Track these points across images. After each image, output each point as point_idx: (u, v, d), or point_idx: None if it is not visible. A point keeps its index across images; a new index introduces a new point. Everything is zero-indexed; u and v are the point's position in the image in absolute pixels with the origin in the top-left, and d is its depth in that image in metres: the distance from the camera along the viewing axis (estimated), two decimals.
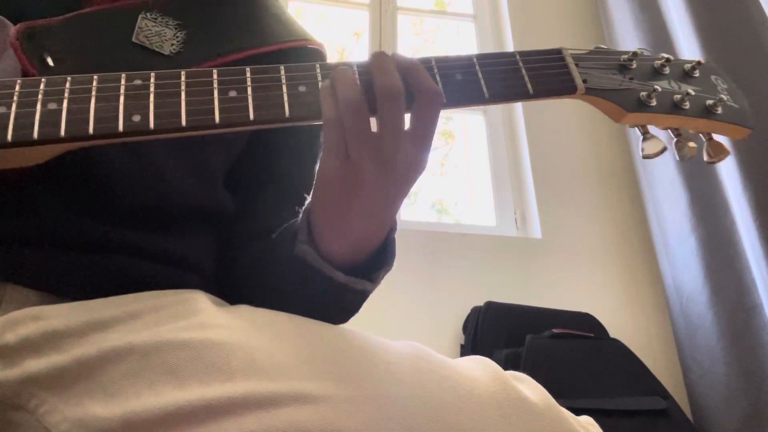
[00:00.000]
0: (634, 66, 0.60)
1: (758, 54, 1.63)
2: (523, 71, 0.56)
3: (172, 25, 0.61)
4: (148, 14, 0.61)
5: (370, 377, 0.42)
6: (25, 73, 0.52)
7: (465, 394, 0.43)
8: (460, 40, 2.50)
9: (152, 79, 0.50)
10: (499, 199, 2.05)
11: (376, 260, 0.57)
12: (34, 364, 0.43)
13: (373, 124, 0.51)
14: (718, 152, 0.58)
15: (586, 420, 0.50)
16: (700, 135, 0.61)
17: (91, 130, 0.46)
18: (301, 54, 0.71)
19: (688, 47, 1.75)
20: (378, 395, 0.41)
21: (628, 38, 2.02)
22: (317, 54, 0.74)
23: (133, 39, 0.59)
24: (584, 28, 2.32)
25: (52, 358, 0.43)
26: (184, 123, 0.48)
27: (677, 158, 0.59)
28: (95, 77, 0.49)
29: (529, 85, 0.56)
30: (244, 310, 0.50)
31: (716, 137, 0.60)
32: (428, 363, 0.45)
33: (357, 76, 0.52)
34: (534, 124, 2.09)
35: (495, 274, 1.82)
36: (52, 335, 0.44)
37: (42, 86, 0.48)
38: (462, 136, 2.33)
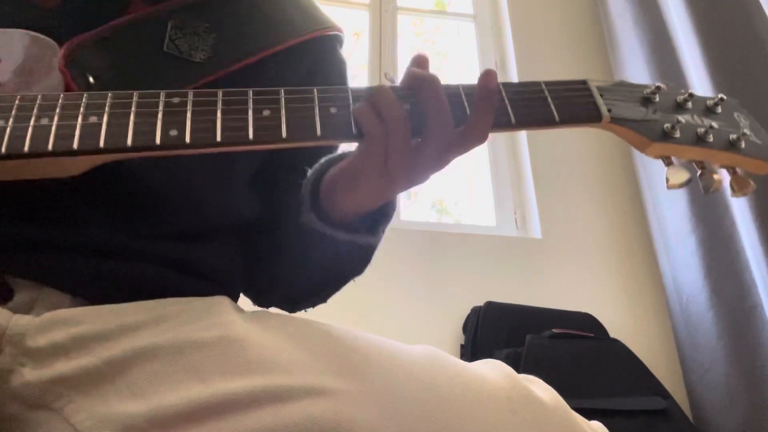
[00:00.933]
0: (657, 99, 0.61)
1: (758, 54, 1.63)
2: (549, 99, 0.57)
3: (200, 30, 0.63)
4: (177, 20, 0.62)
5: (383, 372, 0.44)
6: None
7: (476, 389, 0.44)
8: (460, 40, 2.50)
9: (190, 97, 0.51)
10: (499, 199, 2.05)
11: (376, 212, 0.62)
12: (62, 366, 0.44)
13: None
14: (743, 186, 0.59)
15: (598, 425, 0.51)
16: (724, 169, 0.61)
17: (129, 142, 0.48)
18: (324, 43, 0.74)
19: (688, 47, 1.75)
20: (391, 389, 0.42)
21: (628, 38, 2.02)
22: (337, 40, 0.77)
23: (165, 48, 0.60)
24: (584, 29, 2.32)
25: (81, 360, 0.44)
26: (219, 138, 0.50)
27: (702, 191, 0.59)
28: (135, 94, 0.51)
29: (555, 113, 0.57)
30: (263, 315, 0.52)
31: (740, 171, 0.60)
32: (441, 362, 0.47)
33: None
34: None
35: (495, 274, 1.82)
36: (81, 339, 0.45)
37: (84, 100, 0.50)
38: None
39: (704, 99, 0.62)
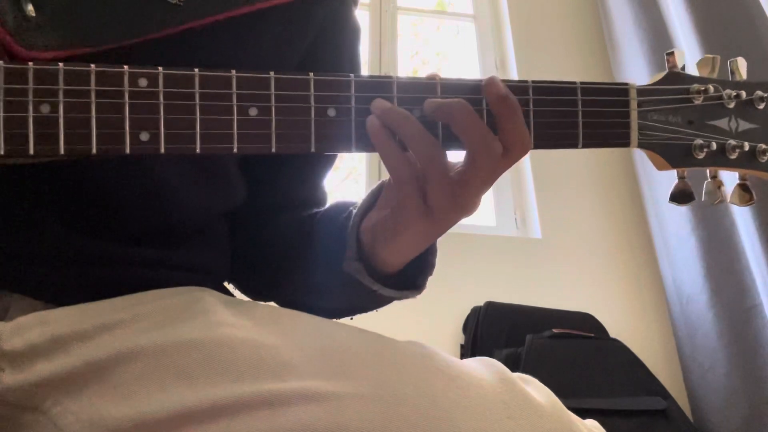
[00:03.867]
0: (700, 101, 0.56)
1: (758, 54, 1.63)
2: (580, 116, 0.51)
3: None
4: None
5: (377, 375, 0.42)
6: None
7: (472, 394, 0.43)
8: (460, 41, 2.50)
9: (161, 82, 0.43)
10: (499, 199, 2.05)
11: (416, 263, 0.57)
12: (43, 368, 0.43)
13: None
14: (744, 200, 0.57)
15: (592, 423, 0.50)
16: (736, 174, 0.59)
17: (93, 149, 0.41)
18: (336, 2, 0.64)
19: (688, 47, 1.75)
20: (385, 394, 0.41)
21: (628, 38, 2.02)
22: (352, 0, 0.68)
23: None
24: (584, 29, 2.31)
25: (62, 361, 0.43)
26: (198, 150, 0.43)
27: (704, 202, 0.58)
28: (93, 72, 0.42)
29: (580, 137, 0.51)
30: (251, 307, 0.50)
31: (749, 179, 0.59)
32: (436, 362, 0.45)
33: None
34: None
35: (495, 274, 1.82)
36: (60, 339, 0.44)
37: (31, 78, 0.40)
38: None
39: (750, 95, 0.57)
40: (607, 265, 1.90)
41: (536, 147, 0.51)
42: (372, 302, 0.58)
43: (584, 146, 0.52)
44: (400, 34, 2.31)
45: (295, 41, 0.60)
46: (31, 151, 0.40)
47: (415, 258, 0.56)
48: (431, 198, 0.48)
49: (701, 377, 1.63)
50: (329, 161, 0.70)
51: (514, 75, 2.18)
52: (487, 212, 2.05)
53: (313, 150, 0.46)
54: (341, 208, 0.59)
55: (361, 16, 2.32)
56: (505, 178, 2.08)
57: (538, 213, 1.95)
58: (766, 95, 0.58)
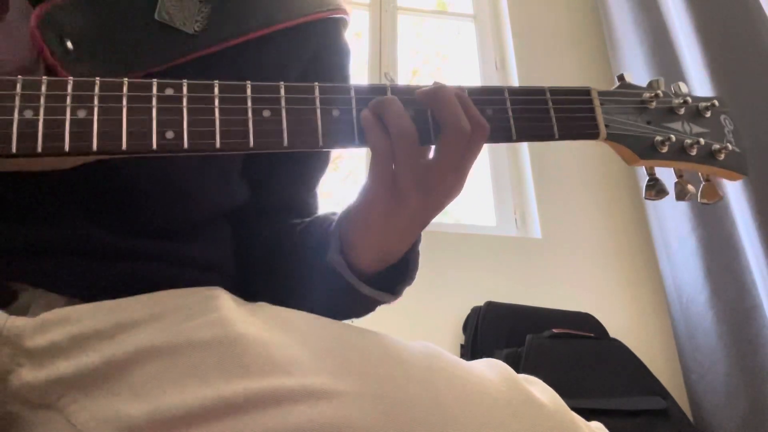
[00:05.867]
0: (653, 106, 0.63)
1: (758, 54, 1.63)
2: (552, 112, 0.58)
3: (195, 0, 0.59)
4: None
5: (383, 374, 0.43)
6: (46, 63, 0.50)
7: (475, 392, 0.44)
8: (460, 41, 2.50)
9: (185, 90, 0.48)
10: (499, 199, 2.05)
11: (397, 272, 0.59)
12: (62, 366, 0.44)
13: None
14: (711, 196, 0.64)
15: (597, 425, 0.50)
16: (699, 175, 0.65)
17: (124, 146, 0.46)
18: (328, 26, 0.70)
19: (688, 47, 1.75)
20: (391, 392, 0.42)
21: (628, 38, 2.02)
22: (342, 24, 0.73)
23: (155, 16, 0.56)
24: (584, 29, 2.32)
25: (81, 359, 0.44)
26: (218, 145, 0.48)
27: (675, 198, 0.64)
28: (125, 83, 0.47)
29: (555, 129, 0.57)
30: (262, 307, 0.51)
31: (713, 179, 0.65)
32: (440, 362, 0.46)
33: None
34: None
35: (495, 274, 1.82)
36: (80, 337, 0.45)
37: (70, 89, 0.46)
38: None
39: (696, 103, 0.65)
40: (607, 265, 1.91)
41: (519, 140, 0.56)
42: (351, 301, 0.59)
43: (560, 137, 0.58)
44: (400, 33, 2.31)
45: (294, 61, 0.65)
46: (66, 149, 0.44)
47: (395, 268, 0.59)
48: (400, 177, 0.51)
49: (701, 377, 1.63)
50: (322, 166, 0.73)
51: (514, 75, 2.18)
52: (487, 212, 2.05)
53: (321, 144, 0.50)
54: (327, 216, 0.63)
55: (361, 16, 2.33)
56: (505, 178, 2.08)
57: (538, 213, 1.95)
58: (709, 104, 0.65)
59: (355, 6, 2.39)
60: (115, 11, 0.55)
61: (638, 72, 1.91)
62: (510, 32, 2.26)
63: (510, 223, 2.01)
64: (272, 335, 0.45)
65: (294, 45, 0.65)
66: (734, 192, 1.56)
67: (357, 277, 0.57)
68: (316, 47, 0.68)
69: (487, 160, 2.11)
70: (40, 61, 0.50)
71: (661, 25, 1.91)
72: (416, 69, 2.46)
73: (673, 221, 1.77)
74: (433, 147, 0.53)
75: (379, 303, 0.60)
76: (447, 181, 0.52)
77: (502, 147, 2.12)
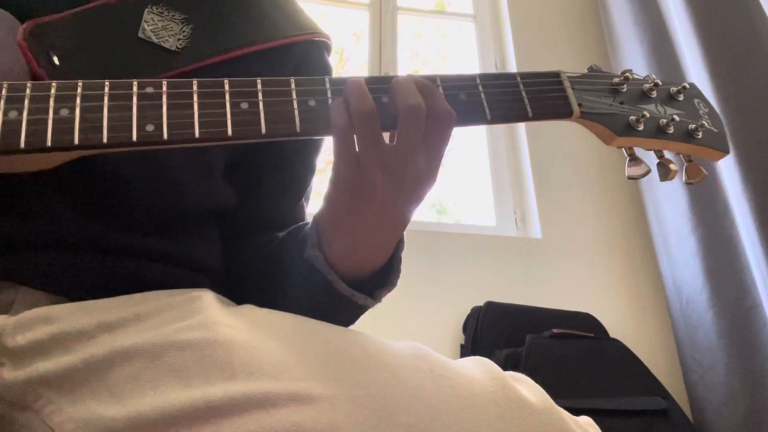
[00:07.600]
0: (625, 89, 0.63)
1: (758, 54, 1.63)
2: (524, 94, 0.59)
3: (178, 20, 0.61)
4: (154, 8, 0.61)
5: (369, 377, 0.43)
6: (33, 73, 0.52)
7: (463, 393, 0.43)
8: (460, 40, 2.50)
9: (164, 87, 0.50)
10: (499, 199, 2.05)
11: (380, 278, 0.59)
12: (42, 366, 0.43)
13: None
14: (695, 175, 0.63)
15: (585, 420, 0.50)
16: (681, 156, 0.65)
17: (105, 138, 0.47)
18: (309, 47, 0.72)
19: (688, 47, 1.75)
20: (377, 395, 0.41)
21: (628, 38, 2.02)
22: (324, 46, 0.75)
23: (139, 34, 0.58)
24: (584, 29, 2.32)
25: (61, 359, 0.43)
26: (197, 135, 0.49)
27: (659, 179, 0.63)
28: (107, 83, 0.49)
29: (528, 108, 0.58)
30: (247, 309, 0.50)
31: (695, 159, 0.64)
32: (428, 363, 0.46)
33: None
34: (534, 124, 2.09)
35: (495, 274, 1.82)
36: (61, 336, 0.44)
37: (53, 91, 0.47)
38: (462, 136, 2.33)
39: (668, 87, 0.65)
40: (607, 265, 1.91)
41: (494, 121, 0.57)
42: (331, 304, 0.57)
43: (534, 117, 0.58)
44: (400, 34, 2.31)
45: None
46: (48, 143, 0.45)
47: (378, 275, 0.58)
48: (360, 152, 0.51)
49: (701, 377, 1.63)
50: (308, 175, 0.73)
51: None
52: (487, 212, 2.05)
53: (298, 131, 0.51)
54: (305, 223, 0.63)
55: (361, 16, 2.33)
56: (505, 177, 2.08)
57: (538, 213, 1.95)
58: (680, 88, 0.65)
59: (354, 6, 2.39)
60: (100, 29, 0.57)
61: (638, 71, 1.91)
62: (510, 32, 2.26)
63: (510, 223, 2.01)
64: (258, 338, 0.44)
65: (275, 63, 0.67)
66: (734, 192, 1.56)
67: (333, 273, 0.56)
68: (297, 64, 0.70)
69: (487, 160, 2.11)
70: (27, 75, 0.51)
71: (661, 25, 1.91)
72: (416, 70, 2.46)
73: (673, 221, 1.77)
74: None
75: (360, 307, 0.58)
76: (415, 164, 0.52)
77: (502, 147, 2.13)
